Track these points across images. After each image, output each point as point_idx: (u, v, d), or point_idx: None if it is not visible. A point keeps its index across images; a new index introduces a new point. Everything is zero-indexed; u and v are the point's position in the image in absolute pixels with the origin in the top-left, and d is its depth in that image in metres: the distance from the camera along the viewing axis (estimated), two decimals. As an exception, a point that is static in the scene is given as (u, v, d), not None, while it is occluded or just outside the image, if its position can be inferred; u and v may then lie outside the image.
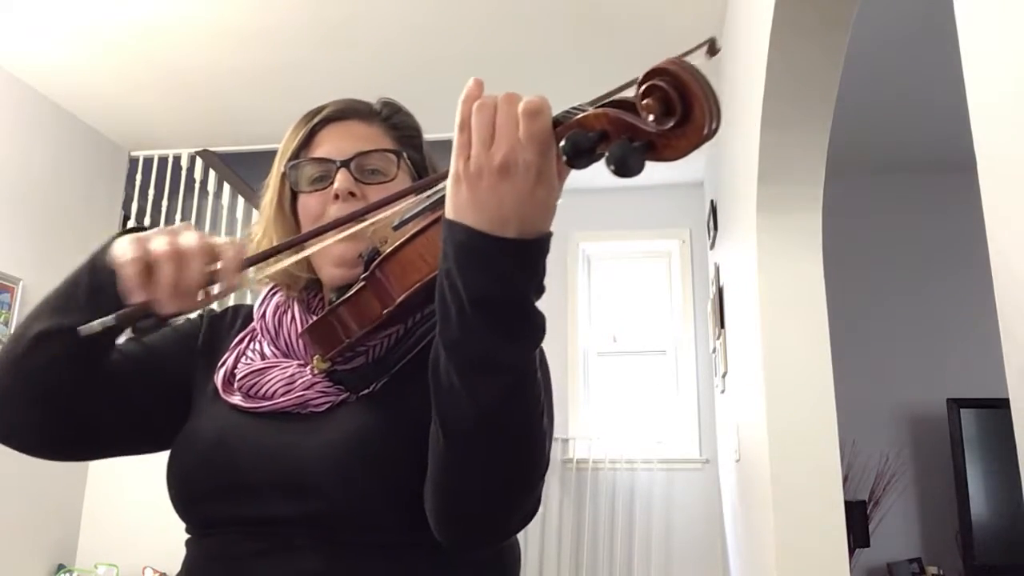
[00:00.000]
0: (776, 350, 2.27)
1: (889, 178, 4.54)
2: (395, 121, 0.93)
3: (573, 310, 4.84)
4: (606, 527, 4.52)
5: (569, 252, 4.88)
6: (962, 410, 3.98)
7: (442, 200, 0.62)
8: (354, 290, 0.72)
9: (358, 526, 0.73)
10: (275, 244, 0.88)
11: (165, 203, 4.70)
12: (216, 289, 0.66)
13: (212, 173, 4.69)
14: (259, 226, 0.92)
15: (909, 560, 4.01)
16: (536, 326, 0.62)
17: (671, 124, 0.52)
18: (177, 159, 4.74)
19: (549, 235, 0.61)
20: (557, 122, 0.58)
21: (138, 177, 4.74)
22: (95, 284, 0.81)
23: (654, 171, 4.31)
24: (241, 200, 4.57)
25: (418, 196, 0.71)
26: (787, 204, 2.34)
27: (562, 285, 4.81)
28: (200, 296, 0.65)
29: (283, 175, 0.89)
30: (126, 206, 4.80)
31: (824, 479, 2.15)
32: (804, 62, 2.06)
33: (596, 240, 4.94)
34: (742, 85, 2.66)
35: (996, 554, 3.79)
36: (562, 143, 0.55)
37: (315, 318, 0.86)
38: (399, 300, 0.69)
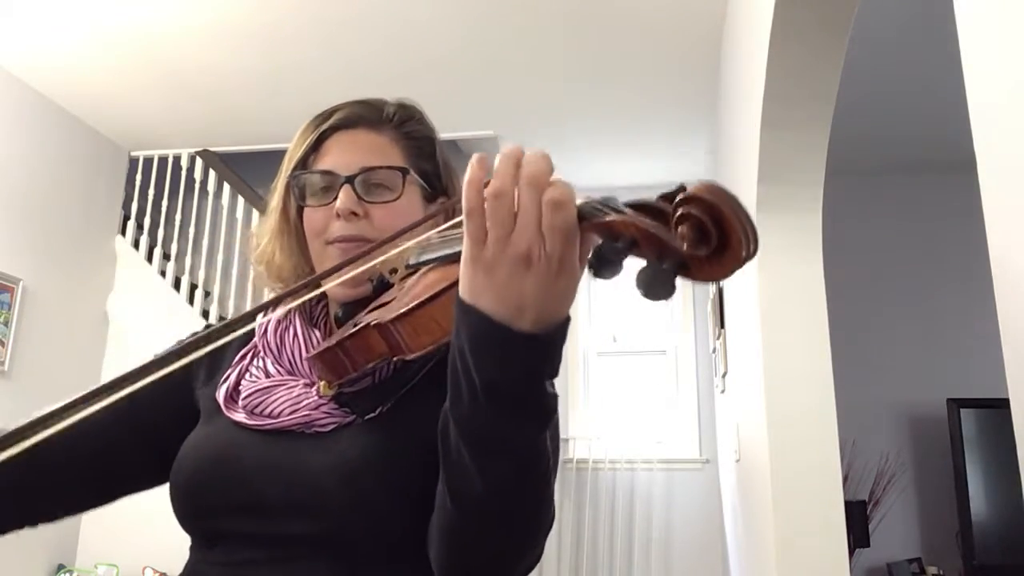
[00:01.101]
0: (776, 350, 2.27)
1: (889, 178, 4.54)
2: (407, 129, 0.90)
3: (573, 310, 4.82)
4: (606, 527, 4.52)
5: (569, 252, 4.88)
6: (962, 410, 3.98)
7: (460, 253, 0.59)
8: (363, 326, 0.70)
9: (363, 545, 0.73)
10: (276, 254, 0.89)
11: (165, 203, 4.70)
12: None
13: (212, 173, 4.68)
14: (264, 231, 0.91)
15: (909, 560, 4.01)
16: (549, 410, 0.60)
17: (705, 252, 0.49)
18: (177, 159, 4.74)
19: (567, 321, 0.58)
20: (582, 215, 0.54)
21: (138, 177, 4.74)
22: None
23: (654, 171, 4.31)
24: (241, 200, 4.57)
25: (436, 231, 0.68)
26: (787, 204, 2.34)
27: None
28: None
29: (288, 184, 0.89)
30: (126, 206, 4.80)
31: (824, 479, 2.15)
32: (804, 62, 2.06)
33: (596, 240, 4.93)
34: (742, 85, 2.66)
35: (996, 554, 3.79)
36: (590, 256, 0.52)
37: (318, 332, 0.86)
38: (410, 358, 0.68)
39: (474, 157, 0.56)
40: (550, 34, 3.47)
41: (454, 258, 0.63)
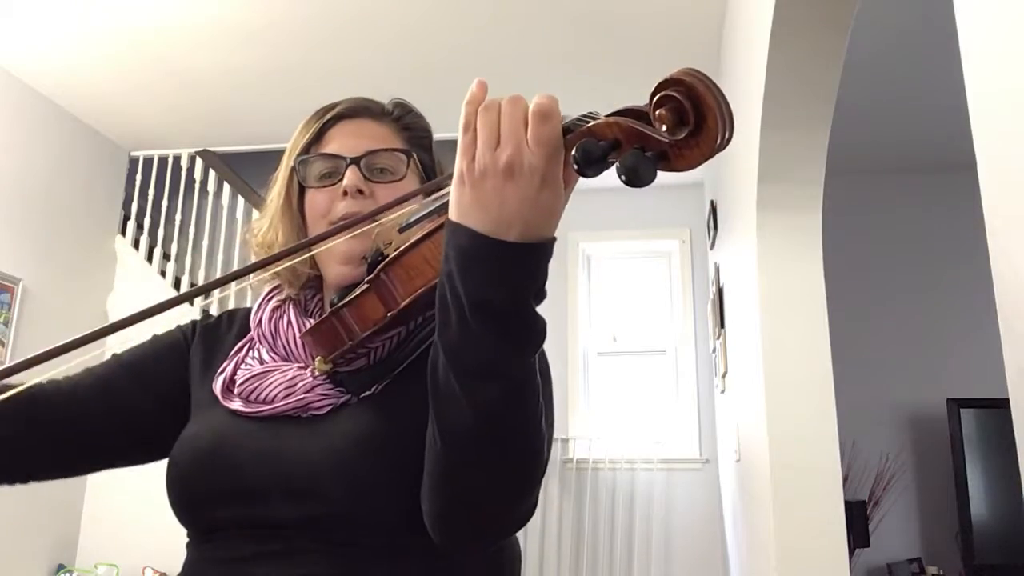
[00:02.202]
0: (776, 350, 2.27)
1: (889, 178, 4.54)
2: (406, 122, 0.93)
3: (573, 310, 4.84)
4: (606, 527, 4.52)
5: (569, 252, 4.88)
6: (962, 410, 3.98)
7: (447, 204, 0.62)
8: (357, 292, 0.72)
9: (360, 529, 0.73)
10: (279, 237, 0.89)
11: (165, 203, 4.71)
12: None
13: (212, 173, 4.69)
14: (264, 219, 0.92)
15: (909, 560, 4.01)
16: (537, 331, 0.61)
17: (684, 134, 0.52)
18: (177, 159, 4.74)
19: (552, 240, 0.60)
20: (567, 129, 0.57)
21: (138, 177, 4.75)
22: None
23: (654, 171, 4.25)
24: (241, 200, 4.57)
25: (425, 199, 0.70)
26: (787, 204, 2.34)
27: (562, 285, 4.82)
28: None
29: (292, 170, 0.89)
30: (126, 206, 4.80)
31: (824, 479, 2.15)
32: (804, 62, 2.06)
33: (596, 240, 4.94)
34: (742, 85, 2.66)
35: (996, 554, 3.79)
36: (573, 152, 0.54)
37: (312, 321, 0.86)
38: (403, 304, 0.69)
39: (476, 80, 0.59)
40: (550, 34, 3.47)
41: (442, 209, 0.66)
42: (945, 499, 4.05)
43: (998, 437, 3.87)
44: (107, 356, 0.93)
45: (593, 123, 0.56)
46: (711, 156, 0.52)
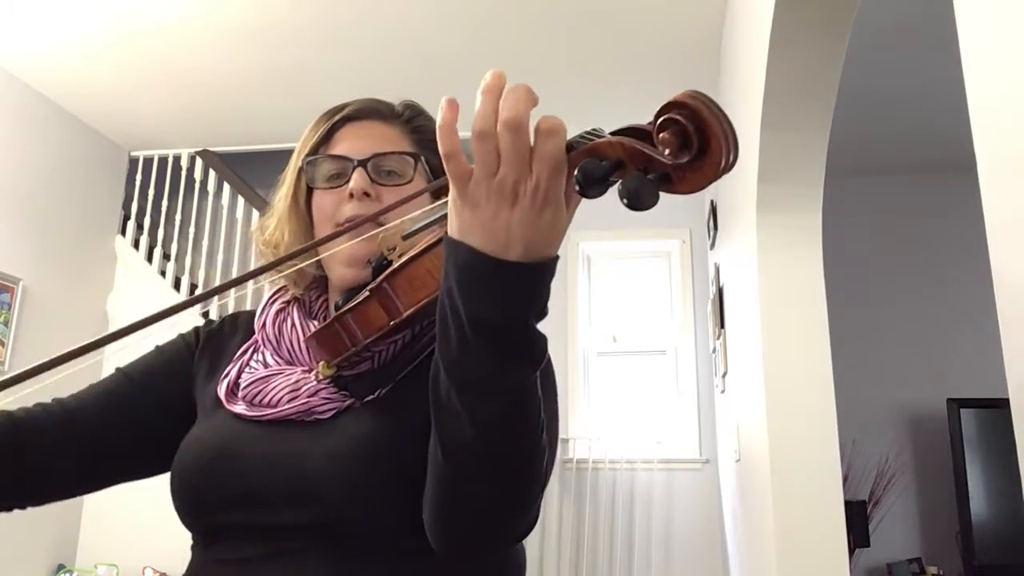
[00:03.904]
0: (776, 350, 2.27)
1: (889, 178, 4.54)
2: (416, 124, 0.92)
3: (573, 310, 4.84)
4: (606, 527, 4.52)
5: (569, 252, 4.88)
6: (962, 410, 3.98)
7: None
8: (360, 299, 0.72)
9: (365, 533, 0.73)
10: (286, 237, 0.89)
11: (165, 203, 4.71)
12: None
13: (212, 173, 4.69)
14: (272, 219, 0.92)
15: (909, 560, 4.01)
16: (537, 349, 0.60)
17: (687, 158, 0.51)
18: (177, 159, 4.74)
19: (555, 259, 0.58)
20: (570, 146, 0.55)
21: (138, 177, 4.75)
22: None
23: (654, 171, 4.28)
24: (241, 200, 4.57)
25: (432, 203, 0.70)
26: (787, 204, 2.34)
27: (562, 285, 4.81)
28: None
29: (300, 170, 0.89)
30: (126, 206, 4.80)
31: (824, 479, 2.15)
32: (804, 62, 2.06)
33: (596, 240, 4.94)
34: (742, 85, 2.66)
35: (996, 554, 3.79)
36: (575, 172, 0.53)
37: (316, 324, 0.86)
38: (406, 315, 0.69)
39: (443, 100, 0.57)
40: (551, 34, 3.47)
41: (445, 219, 0.64)
42: (945, 499, 4.05)
43: (998, 437, 3.87)
44: (106, 365, 0.92)
45: (595, 141, 0.55)
46: (715, 180, 0.51)
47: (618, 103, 4.02)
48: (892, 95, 3.78)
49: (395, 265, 0.69)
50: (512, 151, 0.54)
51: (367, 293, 0.71)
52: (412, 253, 0.68)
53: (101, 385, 0.91)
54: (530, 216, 0.55)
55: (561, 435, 4.59)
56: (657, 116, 0.52)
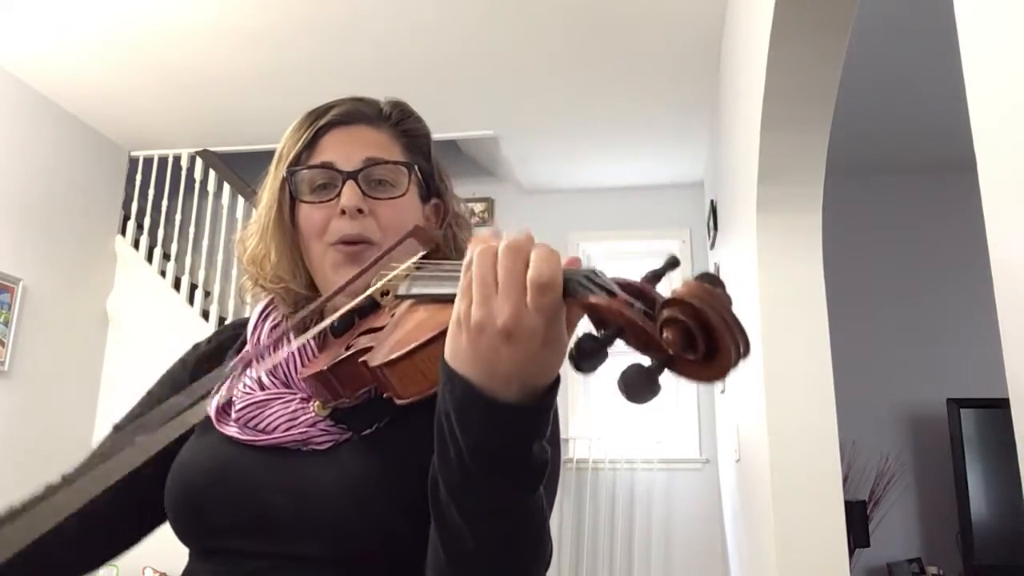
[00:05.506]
0: (776, 350, 2.27)
1: (889, 178, 4.54)
2: (405, 127, 0.88)
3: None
4: (606, 527, 4.52)
5: (569, 252, 4.85)
6: (962, 410, 3.98)
7: (452, 298, 0.57)
8: (354, 357, 0.70)
9: (360, 566, 0.72)
10: (272, 253, 0.85)
11: (165, 203, 4.71)
12: None
13: (212, 173, 4.69)
14: (254, 232, 0.87)
15: (909, 560, 4.01)
16: (540, 471, 0.58)
17: (694, 358, 0.47)
18: (177, 159, 4.74)
19: (555, 388, 0.56)
20: (567, 291, 0.52)
21: (138, 177, 4.75)
22: None
23: (654, 171, 4.29)
24: (241, 200, 4.57)
25: (435, 271, 0.67)
26: (787, 204, 2.34)
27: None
28: None
29: (283, 180, 0.84)
30: (126, 206, 4.80)
31: (824, 479, 2.15)
32: (804, 62, 2.06)
33: (596, 240, 4.94)
34: (742, 85, 2.66)
35: (996, 554, 3.79)
36: (570, 347, 0.49)
37: (312, 344, 0.83)
38: (400, 402, 0.67)
39: (486, 230, 0.55)
40: (550, 34, 3.47)
41: (443, 299, 0.62)
42: (945, 499, 4.05)
43: (998, 437, 3.87)
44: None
45: (597, 302, 0.50)
46: (722, 379, 0.47)
47: (618, 103, 4.02)
48: (892, 95, 3.78)
49: (386, 359, 0.65)
50: (508, 279, 0.52)
51: (361, 362, 0.68)
52: (405, 349, 0.64)
53: (94, 454, 0.87)
54: (527, 354, 0.53)
55: (561, 435, 4.59)
56: (660, 308, 0.47)
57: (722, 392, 3.77)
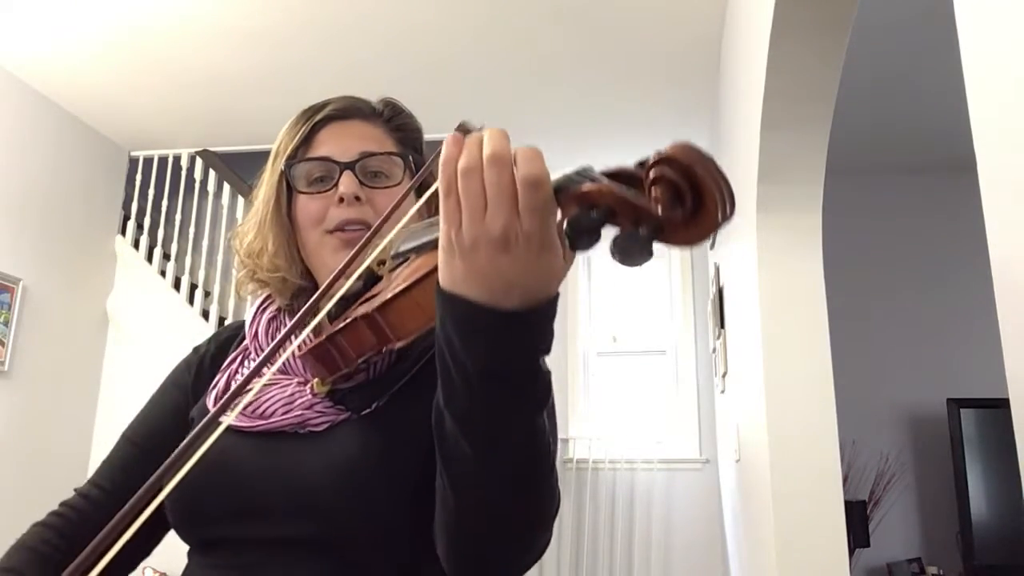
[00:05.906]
0: (776, 350, 2.27)
1: (889, 178, 4.54)
2: (397, 122, 0.91)
3: (573, 310, 4.84)
4: (606, 527, 4.52)
5: (569, 252, 4.88)
6: (962, 410, 3.98)
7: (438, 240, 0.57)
8: (351, 320, 0.70)
9: (361, 544, 0.73)
10: (269, 245, 0.86)
11: (165, 203, 4.71)
12: None
13: (212, 173, 4.69)
14: (251, 225, 0.89)
15: (909, 560, 4.01)
16: (546, 387, 0.59)
17: (681, 216, 0.49)
18: (177, 159, 4.74)
19: (555, 298, 0.56)
20: (557, 188, 0.53)
21: (138, 177, 4.75)
22: None
23: (654, 171, 4.28)
24: (241, 200, 4.57)
25: (420, 223, 0.68)
26: (787, 204, 2.34)
27: (562, 285, 4.79)
28: None
29: (281, 174, 0.87)
30: (126, 206, 4.80)
31: (824, 479, 2.15)
32: (804, 62, 2.06)
33: (596, 240, 4.93)
34: (742, 85, 2.66)
35: (996, 554, 3.79)
36: (564, 226, 0.50)
37: (311, 335, 0.85)
38: (397, 346, 0.67)
39: (448, 137, 0.55)
40: (550, 35, 3.47)
41: (433, 245, 0.62)
42: (945, 499, 4.05)
43: (998, 437, 3.87)
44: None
45: (586, 188, 0.52)
46: (710, 237, 0.49)
47: (618, 103, 4.02)
48: (892, 95, 3.78)
49: (386, 297, 0.66)
50: (498, 190, 0.52)
51: (359, 317, 0.69)
52: (401, 286, 0.65)
53: (113, 464, 0.88)
54: (525, 261, 0.53)
55: (561, 435, 4.59)
56: (648, 168, 0.49)
57: (722, 392, 3.77)
